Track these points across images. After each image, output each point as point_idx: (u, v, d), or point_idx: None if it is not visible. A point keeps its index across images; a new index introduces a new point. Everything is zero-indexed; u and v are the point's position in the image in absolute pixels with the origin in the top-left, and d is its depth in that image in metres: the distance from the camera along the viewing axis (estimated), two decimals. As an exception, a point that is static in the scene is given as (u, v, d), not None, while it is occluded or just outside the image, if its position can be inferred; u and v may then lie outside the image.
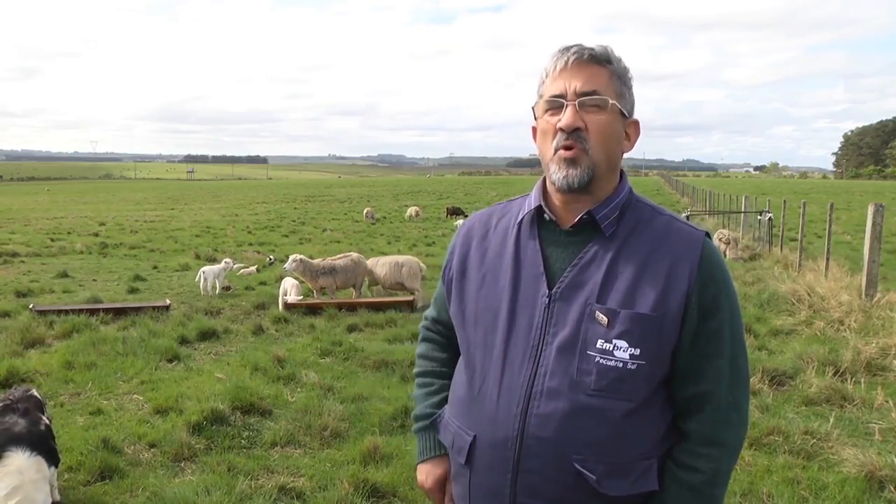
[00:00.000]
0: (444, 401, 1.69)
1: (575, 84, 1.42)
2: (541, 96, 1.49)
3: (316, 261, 9.99)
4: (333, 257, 10.20)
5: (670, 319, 1.38)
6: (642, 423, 1.40)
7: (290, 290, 9.37)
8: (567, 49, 1.45)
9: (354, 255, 10.23)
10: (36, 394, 3.92)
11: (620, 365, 1.37)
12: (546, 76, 1.48)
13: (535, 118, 1.52)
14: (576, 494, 1.39)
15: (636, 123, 1.51)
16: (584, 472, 1.37)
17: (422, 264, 10.15)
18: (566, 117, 1.41)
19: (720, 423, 1.42)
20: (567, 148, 1.42)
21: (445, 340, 1.76)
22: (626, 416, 1.38)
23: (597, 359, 1.38)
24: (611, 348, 1.38)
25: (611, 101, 1.42)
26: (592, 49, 1.44)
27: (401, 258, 10.27)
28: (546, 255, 1.49)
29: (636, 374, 1.38)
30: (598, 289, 1.41)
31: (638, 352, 1.37)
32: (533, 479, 1.41)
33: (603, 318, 1.38)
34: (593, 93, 1.41)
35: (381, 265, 9.98)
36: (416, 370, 1.82)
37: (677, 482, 1.42)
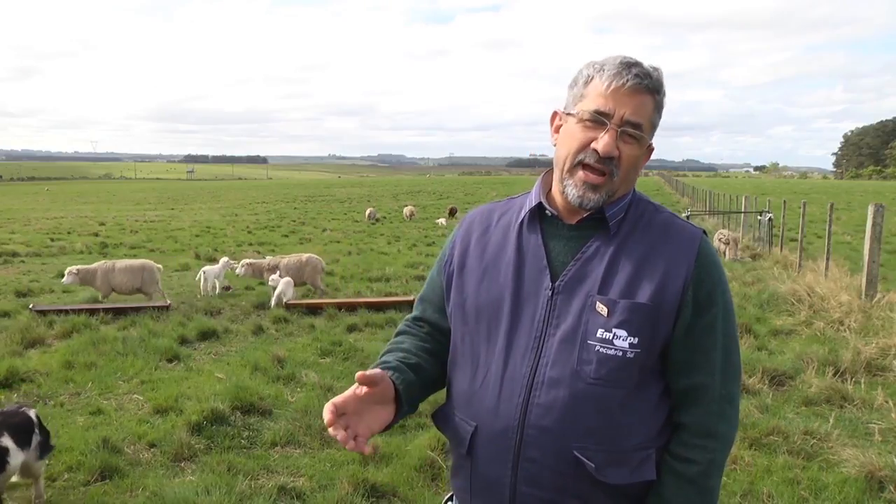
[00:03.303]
0: (397, 359, 1.56)
1: (624, 111, 1.41)
2: (581, 97, 1.46)
3: (265, 259, 10.81)
4: (285, 256, 10.89)
5: (665, 311, 1.42)
6: (636, 413, 1.43)
7: (286, 289, 9.39)
8: (628, 68, 1.42)
9: (305, 255, 10.68)
10: (30, 413, 3.81)
11: (620, 354, 1.41)
12: (591, 81, 1.45)
13: (563, 114, 1.51)
14: (576, 483, 1.41)
15: (651, 148, 1.53)
16: (584, 460, 1.39)
17: (160, 266, 10.31)
18: (605, 143, 1.42)
19: (715, 415, 1.45)
20: (595, 172, 1.44)
21: (421, 334, 1.68)
22: (621, 403, 1.41)
23: (597, 348, 1.41)
24: (610, 337, 1.41)
25: (649, 142, 1.47)
26: (650, 76, 1.43)
27: (136, 262, 10.15)
28: (549, 248, 1.52)
29: (633, 363, 1.42)
30: (600, 281, 1.44)
31: (636, 340, 1.41)
32: (534, 468, 1.43)
33: (603, 309, 1.42)
34: (638, 126, 1.43)
35: (118, 271, 9.82)
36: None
37: (674, 474, 1.44)
